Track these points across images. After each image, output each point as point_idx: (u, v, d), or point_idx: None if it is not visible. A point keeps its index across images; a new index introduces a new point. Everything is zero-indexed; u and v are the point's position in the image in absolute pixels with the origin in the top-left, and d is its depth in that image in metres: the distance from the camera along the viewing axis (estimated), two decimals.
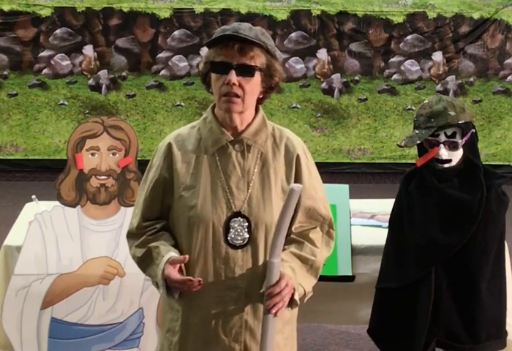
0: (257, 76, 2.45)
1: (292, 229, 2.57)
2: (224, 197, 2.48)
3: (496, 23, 7.75)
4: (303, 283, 2.54)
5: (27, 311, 3.55)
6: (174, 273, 2.42)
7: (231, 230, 2.48)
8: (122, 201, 3.64)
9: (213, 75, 2.46)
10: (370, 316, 3.31)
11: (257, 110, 2.55)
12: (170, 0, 7.66)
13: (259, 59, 2.44)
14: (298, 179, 2.55)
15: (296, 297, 2.50)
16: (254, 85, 2.46)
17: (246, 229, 2.48)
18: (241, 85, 2.42)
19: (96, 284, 3.57)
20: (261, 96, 2.52)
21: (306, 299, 2.61)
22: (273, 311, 2.42)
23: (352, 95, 7.87)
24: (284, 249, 2.52)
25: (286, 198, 2.37)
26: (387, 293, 3.20)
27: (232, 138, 2.51)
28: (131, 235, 2.62)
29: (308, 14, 7.71)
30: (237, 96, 2.43)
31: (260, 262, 2.50)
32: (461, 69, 7.85)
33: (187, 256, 2.44)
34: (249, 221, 2.48)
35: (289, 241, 2.56)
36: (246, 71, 2.42)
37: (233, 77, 2.40)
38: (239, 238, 2.47)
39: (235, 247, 2.48)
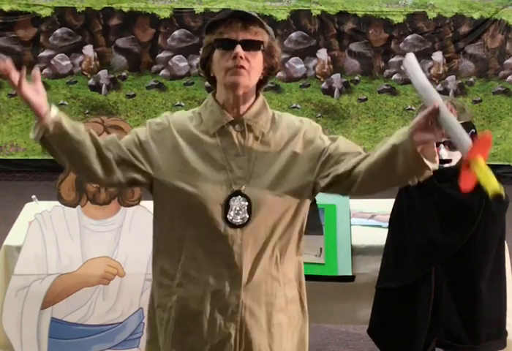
0: (261, 53, 2.48)
1: (350, 167, 2.46)
2: (224, 175, 2.47)
3: (496, 23, 7.76)
4: None
5: (27, 311, 3.55)
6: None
7: (231, 209, 2.47)
8: (122, 201, 3.64)
9: (217, 53, 2.47)
10: (370, 316, 3.31)
11: (257, 96, 2.56)
12: (170, 0, 7.66)
13: (262, 36, 2.47)
14: (313, 149, 2.53)
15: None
16: (258, 61, 2.48)
17: (245, 208, 2.48)
18: (247, 59, 2.44)
19: (96, 284, 3.57)
20: (261, 78, 2.53)
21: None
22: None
23: (352, 95, 7.87)
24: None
25: (408, 72, 2.27)
26: (387, 293, 3.20)
27: (233, 118, 2.52)
28: None
29: (308, 14, 7.71)
30: (243, 68, 2.44)
31: (260, 241, 2.48)
32: (461, 69, 7.86)
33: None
34: (249, 200, 2.47)
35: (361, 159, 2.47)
36: (252, 45, 2.45)
37: (240, 50, 2.42)
38: (239, 217, 2.46)
39: (234, 226, 2.46)
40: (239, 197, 2.47)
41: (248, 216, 2.47)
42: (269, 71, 2.54)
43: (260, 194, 2.47)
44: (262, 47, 2.47)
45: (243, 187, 2.47)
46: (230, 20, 2.44)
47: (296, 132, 2.57)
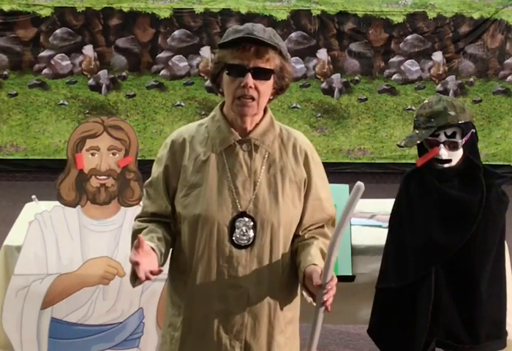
0: (271, 78, 2.47)
1: (299, 231, 2.59)
2: (230, 197, 2.48)
3: (496, 23, 7.75)
4: None
5: (27, 311, 3.55)
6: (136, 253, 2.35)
7: (236, 230, 2.48)
8: (122, 201, 3.64)
9: (226, 77, 2.46)
10: (370, 316, 3.31)
11: (265, 111, 2.56)
12: (170, 0, 7.66)
13: (273, 62, 2.45)
14: (307, 180, 2.56)
15: None
16: (268, 88, 2.47)
17: (251, 230, 2.48)
18: (256, 88, 2.43)
19: (96, 284, 3.57)
20: (271, 98, 2.53)
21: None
22: (329, 304, 2.40)
23: (352, 95, 7.87)
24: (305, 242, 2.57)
25: (350, 195, 2.33)
26: (387, 293, 3.20)
27: (240, 138, 2.51)
28: (140, 218, 2.63)
29: (308, 14, 7.71)
30: (252, 98, 2.44)
31: (265, 262, 2.51)
32: (461, 69, 7.85)
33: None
34: (254, 221, 2.48)
35: (305, 238, 2.59)
36: (262, 74, 2.44)
37: (250, 80, 2.41)
38: (244, 238, 2.48)
39: (239, 247, 2.48)
40: (244, 218, 2.48)
41: (253, 237, 2.48)
42: (279, 91, 2.54)
43: (265, 215, 2.49)
44: (272, 74, 2.45)
45: (249, 208, 2.48)
46: (244, 43, 2.40)
47: (299, 159, 2.58)
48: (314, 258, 2.49)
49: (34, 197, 3.84)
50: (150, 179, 2.61)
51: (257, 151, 2.52)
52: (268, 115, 2.56)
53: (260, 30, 2.43)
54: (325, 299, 2.38)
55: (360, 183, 2.29)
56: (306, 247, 2.55)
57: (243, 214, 2.48)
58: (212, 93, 7.52)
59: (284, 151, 2.55)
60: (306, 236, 2.59)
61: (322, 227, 2.63)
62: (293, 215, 2.54)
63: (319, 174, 2.61)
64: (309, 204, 2.57)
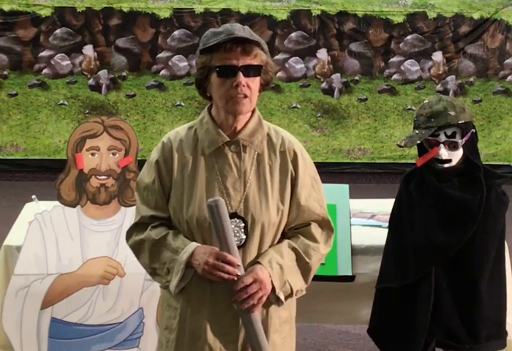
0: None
1: (285, 229, 2.59)
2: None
3: (496, 23, 7.75)
4: (291, 281, 2.53)
5: (27, 311, 3.55)
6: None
7: None
8: (122, 201, 3.64)
9: (217, 80, 2.46)
10: (370, 316, 3.31)
11: (253, 111, 2.56)
12: (170, 0, 7.66)
13: (260, 57, 2.47)
14: (294, 179, 2.55)
15: (280, 295, 2.50)
16: (257, 83, 2.49)
17: (242, 230, 2.49)
18: (248, 86, 2.44)
19: (96, 284, 3.57)
20: (258, 94, 2.54)
21: (295, 297, 2.60)
22: (243, 306, 2.43)
23: (352, 95, 7.87)
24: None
25: (210, 216, 2.41)
26: (387, 293, 3.20)
27: (229, 139, 2.51)
28: (140, 225, 2.59)
29: (308, 14, 7.71)
30: (245, 96, 2.44)
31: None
32: (461, 69, 7.86)
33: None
34: (245, 221, 2.48)
35: (287, 237, 2.59)
36: (252, 71, 2.45)
37: (242, 78, 2.42)
38: (236, 239, 2.48)
39: None
40: (235, 219, 2.48)
41: (245, 238, 2.48)
42: (265, 86, 2.55)
43: (256, 216, 2.48)
44: (261, 70, 2.46)
45: (239, 209, 2.48)
46: (230, 44, 2.42)
47: (287, 159, 2.56)
48: (263, 256, 2.51)
49: (34, 197, 3.84)
50: (145, 184, 2.58)
51: (246, 151, 2.53)
52: (256, 115, 2.56)
53: (239, 29, 2.44)
54: (233, 299, 2.45)
55: (210, 201, 2.39)
56: (276, 244, 2.56)
57: (234, 215, 2.48)
58: None
59: (272, 150, 2.55)
60: (289, 234, 2.59)
61: (308, 225, 2.60)
62: (283, 214, 2.54)
63: (308, 173, 2.60)
64: (294, 202, 2.55)
